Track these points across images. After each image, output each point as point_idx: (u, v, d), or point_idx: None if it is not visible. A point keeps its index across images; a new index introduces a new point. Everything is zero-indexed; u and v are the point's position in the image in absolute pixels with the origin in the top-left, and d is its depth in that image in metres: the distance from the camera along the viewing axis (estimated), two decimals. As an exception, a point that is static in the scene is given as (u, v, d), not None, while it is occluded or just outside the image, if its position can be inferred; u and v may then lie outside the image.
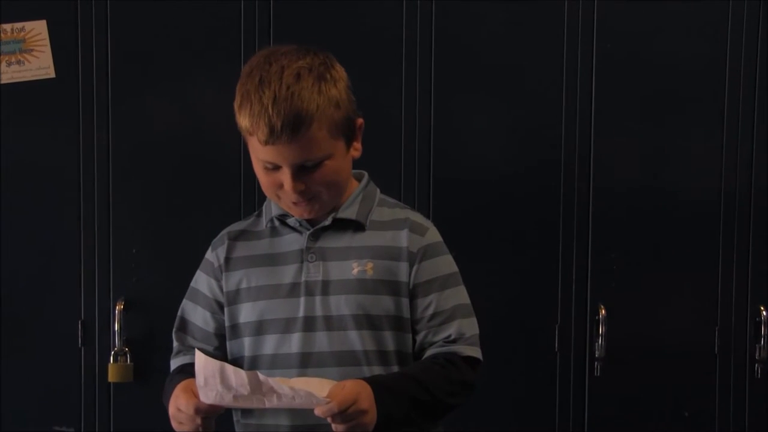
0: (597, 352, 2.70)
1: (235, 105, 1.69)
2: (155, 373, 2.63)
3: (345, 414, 1.54)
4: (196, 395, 1.60)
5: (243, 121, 1.66)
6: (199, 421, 1.61)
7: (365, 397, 1.58)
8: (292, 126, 1.61)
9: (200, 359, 1.54)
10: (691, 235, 2.75)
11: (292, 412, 1.71)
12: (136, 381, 2.67)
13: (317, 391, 1.56)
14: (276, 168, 1.68)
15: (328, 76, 1.67)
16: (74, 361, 2.69)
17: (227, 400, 1.56)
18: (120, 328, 2.65)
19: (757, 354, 2.75)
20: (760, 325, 2.74)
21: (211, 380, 1.54)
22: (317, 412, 1.54)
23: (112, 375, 2.66)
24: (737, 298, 2.75)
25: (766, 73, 2.73)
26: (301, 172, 1.67)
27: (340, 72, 1.71)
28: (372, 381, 1.62)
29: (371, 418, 1.58)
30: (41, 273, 2.69)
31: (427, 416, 1.72)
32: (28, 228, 2.68)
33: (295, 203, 1.72)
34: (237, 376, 1.53)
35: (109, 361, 2.66)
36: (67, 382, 2.69)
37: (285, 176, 1.67)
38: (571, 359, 2.73)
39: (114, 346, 2.66)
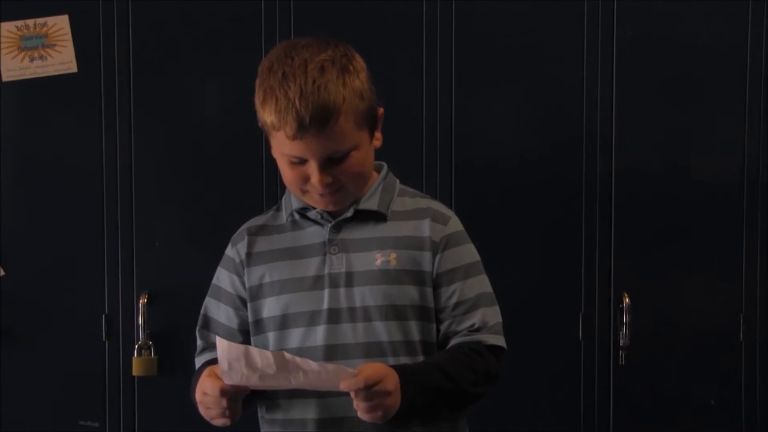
0: (621, 341, 2.69)
1: (257, 101, 1.69)
2: (179, 366, 2.64)
3: (370, 391, 1.54)
4: (221, 378, 1.59)
5: (268, 117, 1.65)
6: (225, 404, 1.60)
7: (391, 380, 1.57)
8: (320, 119, 1.61)
9: (222, 345, 1.53)
10: (716, 220, 2.74)
11: (319, 404, 1.71)
12: (160, 374, 2.68)
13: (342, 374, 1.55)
14: (302, 162, 1.68)
15: (351, 67, 1.68)
16: (98, 355, 2.70)
17: (253, 381, 1.55)
18: (144, 321, 2.66)
19: (783, 340, 2.73)
20: (786, 311, 2.72)
21: (235, 364, 1.53)
22: (343, 385, 1.53)
23: (137, 369, 2.67)
24: (762, 284, 2.73)
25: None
26: (328, 164, 1.67)
27: (360, 63, 1.72)
28: (398, 368, 1.61)
29: (395, 401, 1.58)
30: (65, 267, 2.70)
31: (450, 406, 1.72)
32: (51, 222, 2.70)
33: (321, 195, 1.72)
34: (262, 357, 1.52)
35: (133, 354, 2.67)
36: (91, 377, 2.70)
37: (312, 170, 1.67)
38: (596, 348, 2.72)
39: (138, 340, 2.67)
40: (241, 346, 1.53)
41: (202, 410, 1.65)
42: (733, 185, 2.73)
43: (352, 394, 1.55)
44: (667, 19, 2.71)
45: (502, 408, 2.58)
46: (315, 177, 1.67)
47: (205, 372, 1.65)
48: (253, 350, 1.53)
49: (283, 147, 1.67)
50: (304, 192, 1.74)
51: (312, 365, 1.52)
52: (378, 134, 1.77)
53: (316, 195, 1.72)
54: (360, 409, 1.56)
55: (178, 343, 2.65)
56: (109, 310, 2.70)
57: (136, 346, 2.67)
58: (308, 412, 1.73)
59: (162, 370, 2.68)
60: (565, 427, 2.74)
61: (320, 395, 1.70)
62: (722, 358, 2.75)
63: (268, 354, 1.52)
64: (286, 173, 1.73)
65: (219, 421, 1.64)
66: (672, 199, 2.73)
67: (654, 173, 2.73)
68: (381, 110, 1.76)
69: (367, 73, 1.72)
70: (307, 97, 1.60)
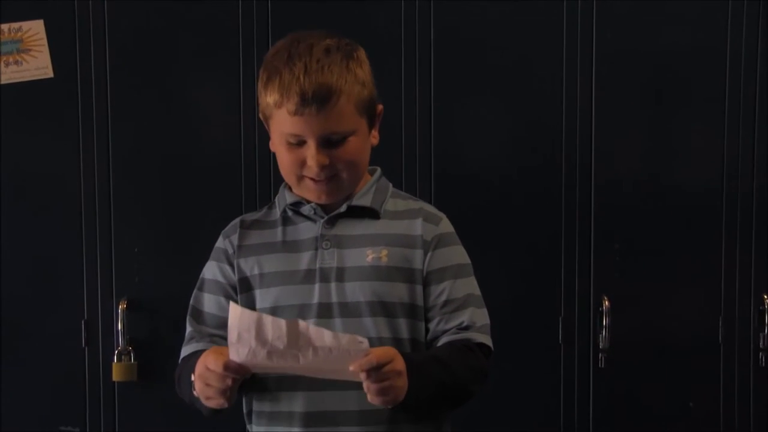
0: (601, 344, 2.70)
1: (260, 84, 1.72)
2: (159, 371, 2.64)
3: (381, 371, 1.53)
4: (225, 355, 1.56)
5: (271, 96, 1.68)
6: (229, 381, 1.57)
7: (400, 362, 1.57)
8: (322, 96, 1.64)
9: (235, 311, 1.51)
10: (694, 226, 2.75)
11: (307, 397, 1.70)
12: (140, 380, 2.67)
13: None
14: (300, 144, 1.69)
15: (355, 55, 1.72)
16: (78, 361, 2.70)
17: (260, 358, 1.51)
18: (123, 327, 2.65)
19: (761, 343, 2.75)
20: (763, 314, 2.74)
21: (245, 335, 1.50)
22: (353, 366, 1.51)
23: (117, 374, 2.66)
24: (741, 288, 2.75)
25: (767, 64, 2.72)
26: (325, 146, 1.68)
27: (364, 56, 1.76)
28: (404, 356, 1.60)
29: (404, 384, 1.57)
30: (44, 274, 2.69)
31: (449, 401, 1.73)
32: (29, 229, 2.68)
33: (315, 182, 1.72)
34: (275, 326, 1.49)
35: (113, 360, 2.67)
36: (71, 382, 2.70)
37: (309, 150, 1.68)
38: (575, 351, 2.73)
39: (117, 346, 2.66)
40: (254, 313, 1.51)
41: (199, 386, 1.62)
42: (712, 191, 2.74)
43: (363, 376, 1.53)
44: (646, 27, 2.71)
45: (483, 410, 2.59)
46: (312, 158, 1.68)
47: (210, 349, 1.63)
48: (266, 318, 1.50)
49: (282, 126, 1.69)
50: (299, 180, 1.74)
51: (325, 338, 1.49)
52: (376, 132, 1.79)
53: (310, 182, 1.73)
54: (371, 391, 1.55)
55: (158, 349, 2.65)
56: (89, 316, 2.69)
57: (116, 351, 2.66)
58: (295, 405, 1.72)
59: (142, 376, 2.67)
60: (545, 429, 2.75)
61: (309, 387, 1.69)
62: (701, 360, 2.77)
63: (282, 323, 1.49)
64: (283, 157, 1.73)
65: (215, 402, 1.61)
66: (651, 205, 2.74)
67: (633, 179, 2.74)
68: (381, 107, 1.79)
69: (370, 68, 1.75)
70: (311, 74, 1.64)
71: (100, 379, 2.69)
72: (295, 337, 1.50)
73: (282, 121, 1.69)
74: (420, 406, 1.64)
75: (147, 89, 2.68)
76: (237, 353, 1.53)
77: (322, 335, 1.49)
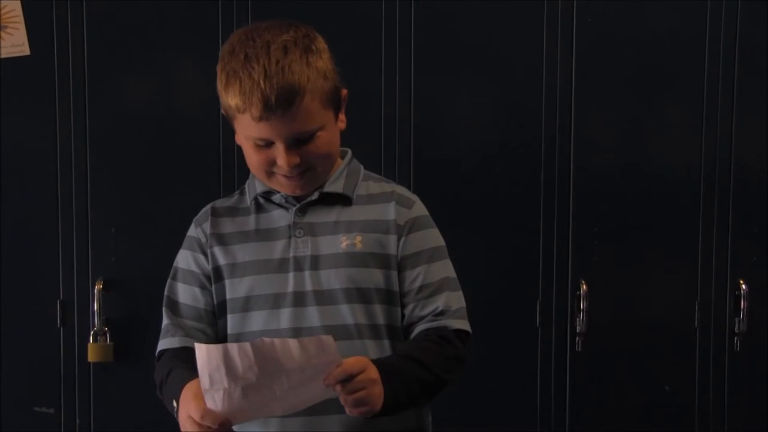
0: (578, 328, 2.71)
1: (220, 86, 1.66)
2: (135, 352, 2.63)
3: (355, 381, 1.52)
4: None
5: (232, 99, 1.62)
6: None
7: (373, 370, 1.55)
8: (286, 99, 1.59)
9: (201, 351, 1.47)
10: (672, 211, 2.76)
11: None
12: (116, 361, 2.66)
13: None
14: (269, 145, 1.66)
15: (313, 47, 1.66)
16: (54, 341, 2.68)
17: (236, 399, 1.49)
18: (99, 308, 2.64)
19: (736, 327, 2.76)
20: (739, 299, 2.75)
21: (216, 375, 1.47)
22: (326, 381, 1.50)
23: (92, 355, 2.65)
24: (717, 272, 2.76)
25: (745, 49, 2.73)
26: (294, 145, 1.65)
27: (322, 43, 1.70)
28: (378, 363, 1.59)
29: (380, 391, 1.55)
30: (20, 254, 2.67)
31: (429, 396, 1.72)
32: (5, 208, 2.66)
33: (288, 178, 1.70)
34: (242, 354, 1.46)
35: (89, 341, 2.65)
36: (46, 363, 2.68)
37: (279, 151, 1.65)
38: (553, 335, 2.74)
39: (93, 326, 2.65)
40: (219, 347, 1.47)
41: (184, 428, 1.59)
42: (690, 177, 2.75)
43: (338, 389, 1.52)
44: (626, 12, 2.71)
45: (460, 394, 2.59)
46: (282, 159, 1.65)
47: (190, 389, 1.57)
48: (232, 348, 1.46)
49: (248, 130, 1.65)
50: (270, 176, 1.71)
51: (293, 352, 1.46)
52: (342, 116, 1.75)
53: (283, 179, 1.70)
54: (348, 403, 1.53)
55: (135, 330, 2.64)
56: (65, 296, 2.67)
57: (92, 332, 2.65)
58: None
59: (118, 357, 2.66)
60: (522, 412, 2.76)
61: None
62: (677, 345, 2.78)
63: (247, 348, 1.46)
64: (252, 158, 1.70)
65: None
66: (629, 190, 2.75)
67: (612, 165, 2.75)
68: (345, 91, 1.74)
69: (330, 54, 1.70)
70: (272, 77, 1.59)
71: (75, 359, 2.68)
72: (265, 361, 1.47)
73: (247, 126, 1.64)
74: (401, 409, 1.63)
75: (125, 67, 2.66)
76: (213, 401, 1.50)
77: (288, 349, 1.47)
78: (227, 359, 1.47)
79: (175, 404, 1.62)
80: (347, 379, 1.51)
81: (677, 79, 2.74)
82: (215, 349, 1.47)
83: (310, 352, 1.47)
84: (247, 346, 1.46)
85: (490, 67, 2.71)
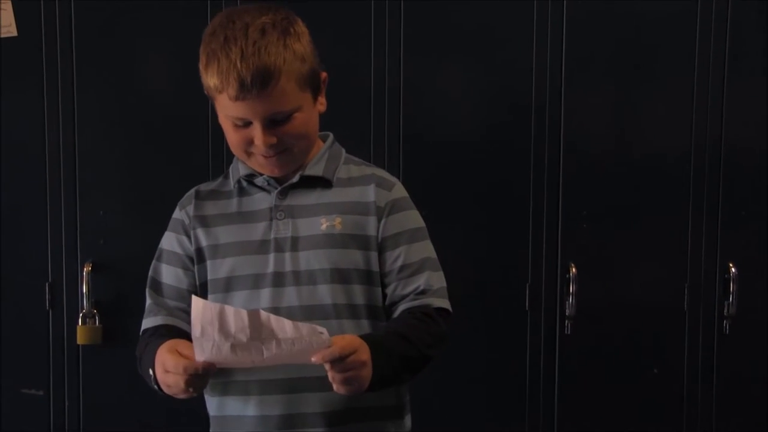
0: (567, 311, 2.71)
1: (201, 66, 1.69)
2: (124, 335, 2.63)
3: (345, 362, 1.53)
4: (183, 355, 1.56)
5: (211, 79, 1.66)
6: (186, 382, 1.55)
7: (365, 351, 1.57)
8: (262, 79, 1.62)
9: (197, 304, 1.49)
10: (661, 193, 2.76)
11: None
12: (104, 343, 2.66)
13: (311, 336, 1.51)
14: (246, 124, 1.69)
15: (292, 30, 1.69)
16: (42, 323, 2.68)
17: (224, 353, 1.50)
18: (88, 290, 2.64)
19: (725, 310, 2.77)
20: (729, 282, 2.76)
21: (208, 328, 1.49)
22: (315, 358, 1.51)
23: (81, 337, 2.65)
24: (707, 255, 2.77)
25: (737, 30, 2.73)
26: (271, 125, 1.68)
27: (302, 27, 1.72)
28: (369, 341, 1.60)
29: (368, 373, 1.57)
30: (8, 236, 2.66)
31: (413, 373, 1.73)
32: (-8, 190, 2.66)
33: (265, 158, 1.72)
34: (237, 317, 1.48)
35: (78, 323, 2.65)
36: (35, 345, 2.68)
37: (256, 131, 1.68)
38: (542, 318, 2.74)
39: (82, 309, 2.65)
40: (216, 305, 1.49)
41: (165, 388, 1.61)
42: (681, 157, 2.75)
43: (327, 367, 1.53)
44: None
45: (448, 376, 2.60)
46: (258, 138, 1.68)
47: (165, 347, 1.61)
48: (228, 310, 1.49)
49: (226, 109, 1.68)
50: (249, 155, 1.74)
51: (287, 329, 1.48)
52: (322, 99, 1.78)
53: (261, 158, 1.73)
54: (336, 381, 1.55)
55: (123, 312, 2.64)
56: (53, 278, 2.67)
57: (81, 314, 2.65)
58: (252, 374, 1.71)
59: (106, 339, 2.66)
60: (510, 395, 2.77)
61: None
62: (666, 327, 2.79)
63: (243, 314, 1.48)
64: (231, 136, 1.73)
65: (181, 396, 1.60)
66: (619, 171, 2.75)
67: (602, 146, 2.75)
68: (324, 74, 1.76)
69: (309, 38, 1.72)
70: (248, 58, 1.62)
71: (64, 342, 2.68)
72: (258, 329, 1.49)
73: (225, 105, 1.68)
74: (385, 385, 1.64)
75: (113, 49, 2.65)
76: (201, 349, 1.51)
77: (283, 326, 1.49)
78: (221, 317, 1.49)
79: (151, 372, 1.64)
80: (337, 359, 1.52)
81: (668, 62, 2.74)
82: (211, 305, 1.49)
83: (302, 331, 1.49)
84: (243, 312, 1.49)
85: (479, 49, 2.70)
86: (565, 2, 2.68)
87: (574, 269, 2.71)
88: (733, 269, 2.76)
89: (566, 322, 2.73)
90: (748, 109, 2.76)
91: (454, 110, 2.72)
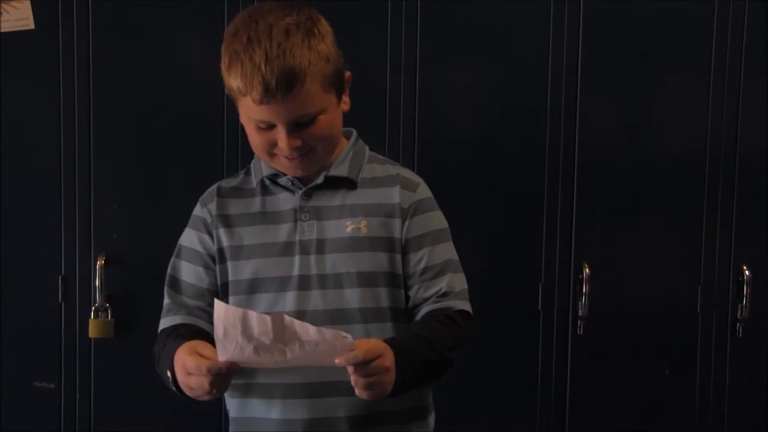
0: (580, 311, 2.70)
1: (223, 66, 1.66)
2: (136, 328, 2.63)
3: (369, 366, 1.51)
4: (203, 356, 1.55)
5: (234, 81, 1.63)
6: (211, 383, 1.54)
7: (389, 357, 1.55)
8: (286, 83, 1.59)
9: (220, 308, 1.48)
10: (676, 193, 2.75)
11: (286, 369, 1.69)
12: (116, 337, 2.66)
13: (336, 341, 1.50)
14: (270, 127, 1.66)
15: (316, 30, 1.66)
16: (55, 316, 2.68)
17: (247, 353, 1.49)
18: (101, 283, 2.64)
19: (739, 313, 2.76)
20: (742, 285, 2.74)
21: (231, 330, 1.48)
22: (339, 360, 1.49)
23: (93, 331, 2.65)
24: (720, 257, 2.76)
25: (752, 28, 2.72)
26: (295, 128, 1.66)
27: (326, 26, 1.70)
28: (393, 346, 1.58)
29: (391, 378, 1.55)
30: (22, 229, 2.67)
31: (436, 376, 1.72)
32: (8, 182, 2.66)
33: (289, 159, 1.70)
34: (260, 322, 1.47)
35: (90, 316, 2.65)
36: (47, 338, 2.68)
37: (280, 134, 1.66)
38: (554, 318, 2.73)
39: (95, 302, 2.65)
40: (239, 310, 1.48)
41: (187, 390, 1.60)
42: (696, 157, 2.74)
43: (350, 370, 1.52)
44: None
45: (461, 377, 2.58)
46: (283, 141, 1.66)
47: (185, 349, 1.59)
48: (251, 314, 1.48)
49: (250, 112, 1.66)
50: (272, 157, 1.72)
51: (311, 333, 1.47)
52: (346, 98, 1.75)
53: (284, 159, 1.71)
54: (358, 385, 1.53)
55: (136, 306, 2.64)
56: (66, 271, 2.67)
57: (93, 308, 2.65)
58: (273, 378, 1.71)
59: (118, 333, 2.66)
60: (522, 395, 2.76)
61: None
62: (679, 329, 2.78)
63: (267, 318, 1.47)
64: (254, 139, 1.71)
65: (205, 398, 1.58)
66: (634, 171, 2.74)
67: (616, 145, 2.74)
68: (348, 73, 1.74)
69: (333, 37, 1.70)
70: (273, 61, 1.59)
71: (76, 335, 2.68)
72: (281, 332, 1.48)
73: (248, 108, 1.65)
74: (407, 390, 1.63)
75: (129, 42, 2.65)
76: (224, 349, 1.51)
77: (306, 330, 1.47)
78: (244, 321, 1.48)
79: (169, 374, 1.63)
80: (361, 364, 1.51)
81: (684, 60, 2.73)
82: (234, 310, 1.48)
83: (326, 336, 1.48)
84: (267, 317, 1.47)
85: (495, 48, 2.69)
86: (582, 1, 2.67)
87: (587, 269, 2.70)
88: (747, 272, 2.74)
89: (579, 322, 2.72)
90: (764, 107, 2.74)
91: (468, 109, 2.71)
